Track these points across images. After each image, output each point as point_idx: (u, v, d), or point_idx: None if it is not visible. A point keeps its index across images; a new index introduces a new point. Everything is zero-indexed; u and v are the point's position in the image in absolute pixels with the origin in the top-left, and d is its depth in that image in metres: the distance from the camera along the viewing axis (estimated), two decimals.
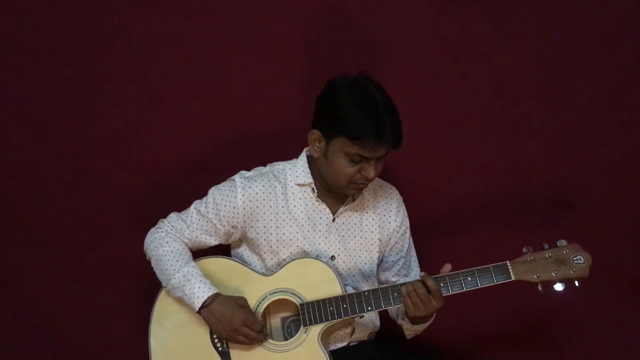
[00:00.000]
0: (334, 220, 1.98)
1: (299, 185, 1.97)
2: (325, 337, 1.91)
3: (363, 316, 2.01)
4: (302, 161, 1.99)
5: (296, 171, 1.98)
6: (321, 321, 1.87)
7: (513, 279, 1.80)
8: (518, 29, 2.35)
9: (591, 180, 2.38)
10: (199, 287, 1.87)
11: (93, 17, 2.32)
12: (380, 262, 2.08)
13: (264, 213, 1.95)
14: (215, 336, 1.93)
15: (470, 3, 2.34)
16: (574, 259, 1.79)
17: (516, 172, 2.40)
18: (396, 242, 2.07)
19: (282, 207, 1.96)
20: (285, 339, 1.92)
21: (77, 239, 2.39)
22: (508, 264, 1.81)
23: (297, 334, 1.90)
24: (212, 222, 1.96)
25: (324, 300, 1.88)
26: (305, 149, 2.00)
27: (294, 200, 1.96)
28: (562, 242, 1.81)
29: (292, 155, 2.03)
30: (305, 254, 1.96)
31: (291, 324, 1.95)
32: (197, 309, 1.87)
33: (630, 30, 2.34)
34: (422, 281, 1.81)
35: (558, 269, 1.78)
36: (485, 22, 2.35)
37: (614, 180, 2.38)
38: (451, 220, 2.41)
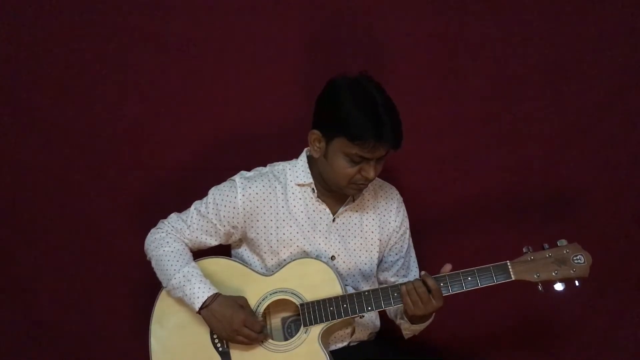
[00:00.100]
0: (334, 220, 1.98)
1: (299, 185, 1.97)
2: (325, 337, 1.91)
3: (363, 316, 2.00)
4: (302, 161, 1.99)
5: (296, 171, 1.97)
6: (321, 321, 1.87)
7: (513, 278, 1.80)
8: (518, 29, 2.35)
9: (591, 180, 2.39)
10: (199, 288, 1.87)
11: (93, 17, 2.32)
12: (380, 262, 2.07)
13: (264, 213, 1.95)
14: (215, 336, 1.93)
15: (471, 3, 2.34)
16: (574, 258, 1.79)
17: (516, 172, 2.40)
18: (396, 243, 2.07)
19: (282, 207, 1.95)
20: (286, 339, 1.92)
21: (77, 239, 2.39)
22: (508, 263, 1.81)
23: (298, 334, 1.90)
24: (212, 222, 1.96)
25: (324, 301, 1.88)
26: (306, 149, 2.00)
27: (294, 200, 1.96)
28: (562, 242, 1.81)
29: (292, 155, 2.03)
30: (305, 254, 1.96)
31: (291, 324, 1.95)
32: (197, 309, 1.87)
33: (631, 30, 2.34)
34: (423, 280, 1.81)
35: (558, 268, 1.78)
36: (486, 22, 2.35)
37: (614, 180, 2.38)
38: (451, 220, 2.41)
